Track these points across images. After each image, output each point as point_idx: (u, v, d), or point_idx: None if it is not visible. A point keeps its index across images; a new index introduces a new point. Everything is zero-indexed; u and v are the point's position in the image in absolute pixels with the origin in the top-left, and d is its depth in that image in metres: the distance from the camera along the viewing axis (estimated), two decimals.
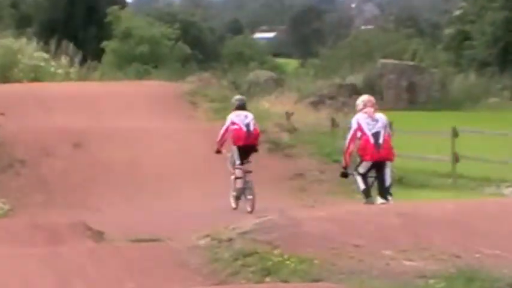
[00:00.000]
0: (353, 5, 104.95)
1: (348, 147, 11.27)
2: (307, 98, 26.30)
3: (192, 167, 13.93)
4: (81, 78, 22.83)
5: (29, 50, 23.88)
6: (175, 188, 13.51)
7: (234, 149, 13.40)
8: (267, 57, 67.28)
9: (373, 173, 11.16)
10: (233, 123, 13.51)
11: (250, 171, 13.25)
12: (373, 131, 11.18)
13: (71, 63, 23.78)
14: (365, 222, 8.31)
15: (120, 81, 20.72)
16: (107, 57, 34.11)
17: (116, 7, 36.57)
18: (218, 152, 13.46)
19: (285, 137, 15.73)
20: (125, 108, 16.73)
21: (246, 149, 13.51)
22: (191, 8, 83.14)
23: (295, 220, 8.36)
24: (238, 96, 14.71)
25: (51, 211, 12.40)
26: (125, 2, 49.98)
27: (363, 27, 72.52)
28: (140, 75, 28.32)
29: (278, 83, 30.47)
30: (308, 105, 24.27)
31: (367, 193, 11.16)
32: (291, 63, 64.06)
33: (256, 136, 13.70)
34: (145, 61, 36.05)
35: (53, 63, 23.47)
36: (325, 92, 27.70)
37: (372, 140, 11.12)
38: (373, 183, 11.24)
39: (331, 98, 26.86)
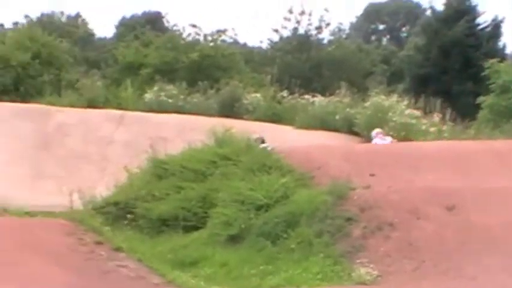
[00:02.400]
0: None
1: None
2: None
3: None
4: (455, 136, 22.69)
5: (400, 107, 24.31)
6: None
7: None
8: None
9: None
10: None
11: None
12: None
13: (443, 121, 23.80)
14: None
15: (496, 140, 20.22)
16: (482, 114, 33.58)
17: (494, 60, 36.00)
18: None
19: None
20: (500, 168, 16.26)
21: None
22: None
23: None
24: None
25: (421, 280, 12.30)
26: (504, 55, 49.12)
27: None
28: None
29: None
30: None
31: None
32: None
33: None
34: None
35: (424, 121, 23.67)
36: None
37: None
38: None
39: None
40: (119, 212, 16.46)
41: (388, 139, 22.07)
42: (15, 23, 51.83)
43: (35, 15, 57.97)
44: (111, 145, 26.44)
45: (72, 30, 57.75)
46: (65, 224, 14.61)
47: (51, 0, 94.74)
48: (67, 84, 33.98)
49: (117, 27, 62.06)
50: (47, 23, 53.50)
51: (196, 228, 15.33)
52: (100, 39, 63.64)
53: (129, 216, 16.18)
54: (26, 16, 55.48)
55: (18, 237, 13.42)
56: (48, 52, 37.47)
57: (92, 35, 64.18)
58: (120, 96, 31.60)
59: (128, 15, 62.83)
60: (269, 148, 18.19)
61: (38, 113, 27.81)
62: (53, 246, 13.29)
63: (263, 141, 19.49)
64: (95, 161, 25.71)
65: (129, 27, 56.24)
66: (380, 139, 22.03)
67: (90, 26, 64.97)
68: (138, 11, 63.11)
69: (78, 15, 64.96)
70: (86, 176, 23.73)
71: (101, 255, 13.22)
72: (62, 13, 63.28)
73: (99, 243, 13.77)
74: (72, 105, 29.34)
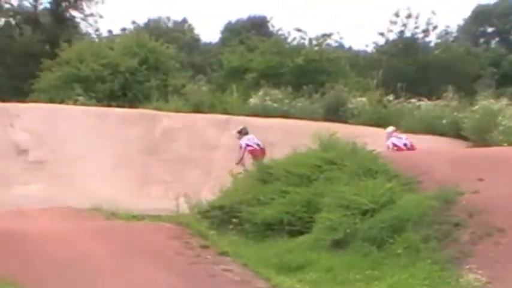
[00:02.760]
0: None
1: None
2: None
3: None
4: None
5: (509, 111, 23.87)
6: None
7: None
8: None
9: None
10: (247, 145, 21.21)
11: None
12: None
13: None
14: None
15: None
16: None
17: None
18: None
19: None
20: None
21: None
22: None
23: None
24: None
25: None
26: None
27: None
28: None
29: None
30: None
31: None
32: None
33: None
34: None
35: None
36: None
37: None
38: None
39: None
40: (224, 216, 16.62)
41: (404, 137, 22.01)
42: (123, 29, 53.15)
43: (142, 21, 59.28)
44: (216, 149, 26.78)
45: (179, 35, 58.72)
46: (171, 227, 14.81)
47: (158, 6, 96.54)
48: (173, 90, 34.61)
49: (222, 32, 62.73)
50: (154, 28, 54.60)
51: (301, 232, 15.34)
52: (206, 44, 64.49)
53: (234, 220, 16.31)
54: (134, 22, 56.79)
55: (126, 240, 13.69)
56: (155, 57, 38.21)
57: (198, 40, 65.09)
58: (226, 101, 31.97)
59: (234, 20, 63.43)
60: (254, 139, 21.17)
61: (145, 118, 28.39)
62: (159, 250, 13.50)
63: (247, 133, 21.55)
64: (200, 166, 26.10)
65: (234, 32, 56.81)
66: (396, 138, 21.94)
67: (196, 31, 65.92)
68: (244, 15, 63.52)
69: (184, 21, 66.04)
70: (191, 180, 24.12)
71: (207, 259, 13.36)
72: (169, 18, 64.48)
73: (205, 247, 13.92)
74: (178, 110, 29.85)
